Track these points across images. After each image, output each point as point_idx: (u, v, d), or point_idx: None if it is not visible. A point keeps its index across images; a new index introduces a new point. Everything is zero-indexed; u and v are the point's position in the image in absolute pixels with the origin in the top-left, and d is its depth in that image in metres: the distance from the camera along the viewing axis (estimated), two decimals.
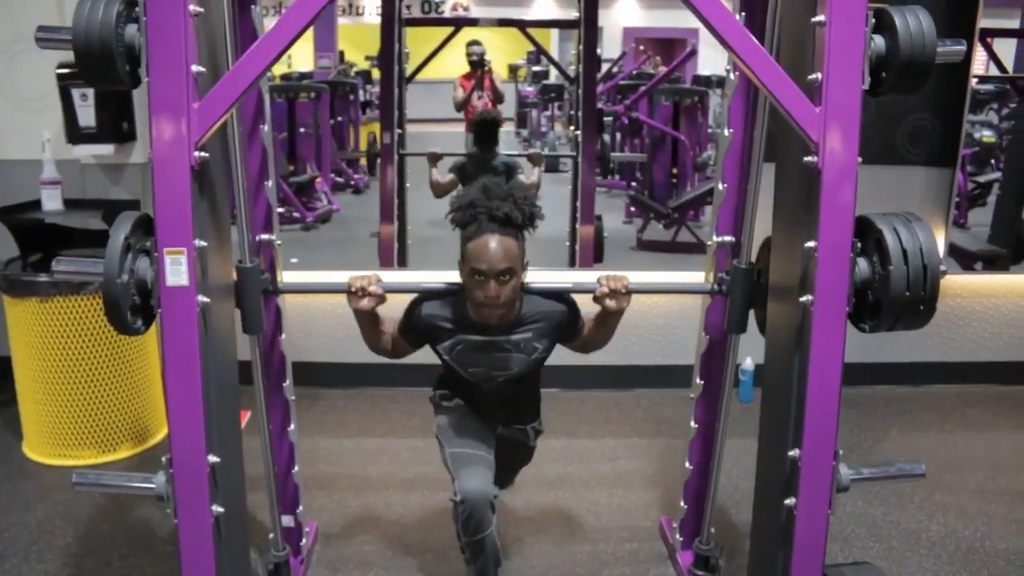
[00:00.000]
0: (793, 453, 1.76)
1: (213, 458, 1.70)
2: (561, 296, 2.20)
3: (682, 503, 2.58)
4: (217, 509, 1.72)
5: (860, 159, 1.66)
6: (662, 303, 3.99)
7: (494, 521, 2.17)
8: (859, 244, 1.71)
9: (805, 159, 1.67)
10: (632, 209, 6.63)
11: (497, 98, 6.80)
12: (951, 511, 2.96)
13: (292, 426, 2.43)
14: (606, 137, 6.55)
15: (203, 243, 1.65)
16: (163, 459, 1.70)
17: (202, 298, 1.65)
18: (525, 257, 2.05)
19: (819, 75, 1.64)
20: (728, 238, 2.23)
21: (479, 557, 2.22)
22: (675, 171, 6.58)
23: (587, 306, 2.20)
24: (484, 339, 2.15)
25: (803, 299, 1.71)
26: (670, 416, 3.81)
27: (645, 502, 3.05)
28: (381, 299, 2.06)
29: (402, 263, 4.84)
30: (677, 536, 2.62)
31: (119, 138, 3.31)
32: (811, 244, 1.68)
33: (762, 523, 1.95)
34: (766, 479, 1.94)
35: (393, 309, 2.19)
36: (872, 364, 3.99)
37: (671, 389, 4.02)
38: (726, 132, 2.19)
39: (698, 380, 2.45)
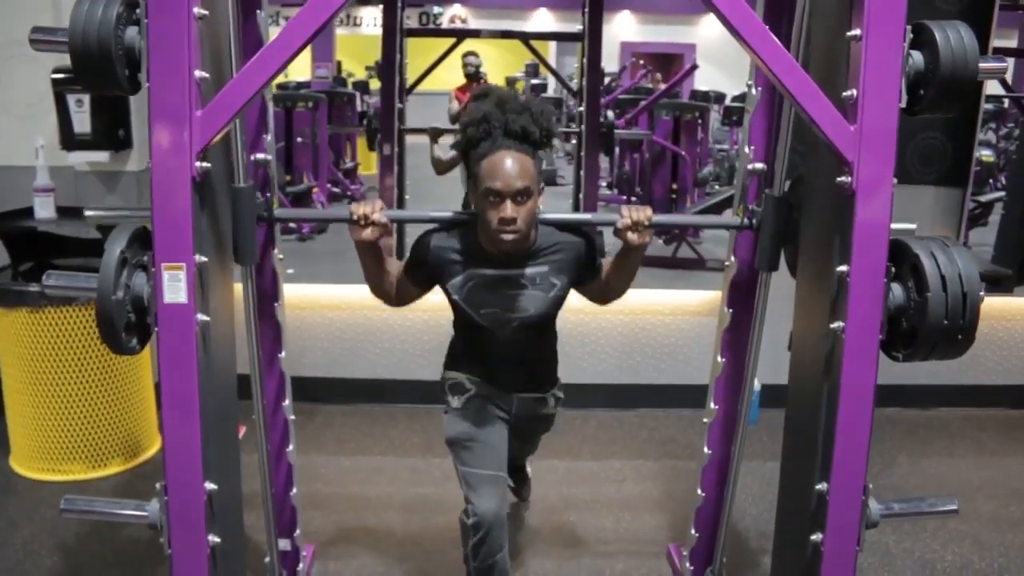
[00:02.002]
0: (820, 487, 1.67)
1: (210, 485, 1.61)
2: (579, 229, 2.07)
3: (693, 531, 2.49)
4: (213, 539, 1.62)
5: (896, 180, 1.59)
6: (667, 321, 3.91)
7: (506, 543, 2.08)
8: (893, 269, 1.63)
9: (838, 179, 1.59)
10: None
11: None
12: (966, 540, 2.88)
13: (291, 446, 2.34)
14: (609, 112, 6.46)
15: (203, 258, 1.56)
16: (157, 485, 1.61)
17: (201, 316, 1.56)
18: (541, 181, 1.91)
19: (854, 92, 1.57)
20: (759, 165, 2.06)
21: None
22: (675, 186, 6.54)
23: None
24: (498, 273, 2.00)
25: (834, 325, 1.63)
26: (676, 437, 3.72)
27: (652, 527, 2.96)
28: (385, 228, 1.89)
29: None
30: (687, 565, 2.53)
31: (115, 145, 3.23)
32: (843, 268, 1.61)
33: (785, 558, 1.86)
34: (789, 511, 1.85)
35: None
36: (879, 386, 3.91)
37: (676, 409, 3.94)
38: (747, 150, 2.12)
39: (712, 405, 2.36)
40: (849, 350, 1.61)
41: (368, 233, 1.87)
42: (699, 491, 2.45)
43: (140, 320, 1.59)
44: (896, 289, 1.64)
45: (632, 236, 1.89)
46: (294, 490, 2.38)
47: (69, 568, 2.56)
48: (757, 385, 3.82)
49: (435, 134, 4.45)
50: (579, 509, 3.05)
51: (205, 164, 1.52)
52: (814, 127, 1.58)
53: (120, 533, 2.73)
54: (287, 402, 2.30)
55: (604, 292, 2.14)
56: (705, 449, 2.41)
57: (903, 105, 1.58)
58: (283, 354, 2.25)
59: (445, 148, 4.48)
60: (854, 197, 1.58)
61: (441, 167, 4.44)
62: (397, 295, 2.11)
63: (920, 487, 3.29)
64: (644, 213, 1.88)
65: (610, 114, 6.45)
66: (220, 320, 1.68)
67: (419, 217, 2.06)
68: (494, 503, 2.03)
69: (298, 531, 2.43)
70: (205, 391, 1.60)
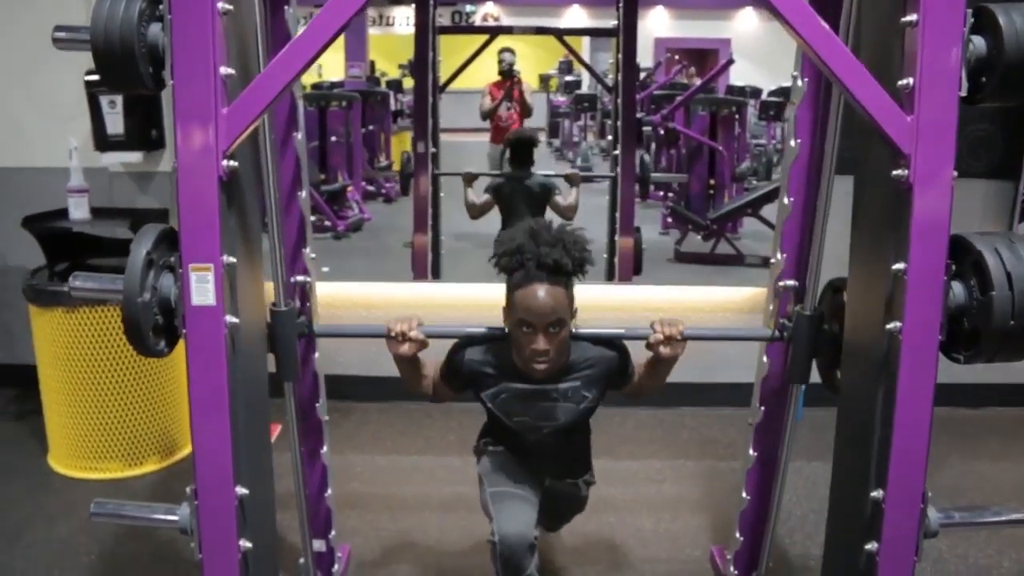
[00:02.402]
0: (876, 494, 1.59)
1: (241, 490, 1.57)
2: (612, 342, 2.09)
3: (737, 534, 2.41)
4: (245, 544, 1.59)
5: (956, 173, 1.50)
6: (708, 318, 3.83)
7: (534, 563, 2.04)
8: (953, 266, 1.54)
9: (893, 172, 1.51)
10: (669, 220, 6.48)
11: (525, 111, 6.68)
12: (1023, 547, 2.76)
13: (325, 448, 2.30)
14: (644, 156, 6.37)
15: (232, 259, 1.52)
16: (187, 490, 1.58)
17: (230, 318, 1.52)
18: (574, 304, 1.93)
19: (911, 80, 1.48)
20: (791, 283, 2.08)
21: None
22: (712, 182, 6.43)
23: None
24: (530, 387, 2.02)
25: (890, 326, 1.54)
26: (717, 436, 3.64)
27: (693, 528, 2.89)
28: (423, 345, 1.94)
29: (436, 274, 4.72)
30: (731, 569, 2.46)
31: (147, 146, 3.23)
32: (900, 266, 1.52)
33: (836, 565, 1.78)
34: (841, 518, 1.77)
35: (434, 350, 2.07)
36: None
37: (717, 408, 3.86)
38: (792, 143, 2.03)
39: (758, 406, 2.28)
40: (907, 352, 1.53)
41: (406, 349, 1.92)
42: (743, 494, 2.38)
43: (168, 322, 1.55)
44: (957, 288, 1.55)
45: (665, 350, 1.95)
46: (328, 491, 2.35)
47: (106, 567, 2.55)
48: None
49: (469, 179, 4.42)
50: (618, 510, 2.99)
51: (232, 163, 1.48)
52: (868, 118, 1.49)
53: (157, 533, 2.72)
54: (321, 402, 2.26)
55: (635, 395, 2.19)
56: (750, 451, 2.33)
57: (963, 94, 1.49)
58: (317, 354, 2.21)
59: (479, 192, 4.43)
60: (911, 191, 1.50)
61: (475, 211, 4.40)
62: (435, 395, 2.17)
63: (974, 490, 3.17)
64: (676, 328, 1.93)
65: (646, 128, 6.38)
66: (250, 320, 1.64)
67: (454, 332, 2.11)
68: (520, 524, 2.01)
69: (333, 532, 2.40)
70: (235, 393, 1.56)
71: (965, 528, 1.68)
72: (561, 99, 10.89)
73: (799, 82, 1.99)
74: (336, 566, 2.45)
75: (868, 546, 1.61)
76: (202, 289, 1.49)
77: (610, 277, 4.57)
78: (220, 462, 1.54)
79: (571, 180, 4.36)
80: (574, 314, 1.94)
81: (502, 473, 2.17)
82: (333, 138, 6.36)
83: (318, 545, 2.34)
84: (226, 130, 1.46)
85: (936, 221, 1.50)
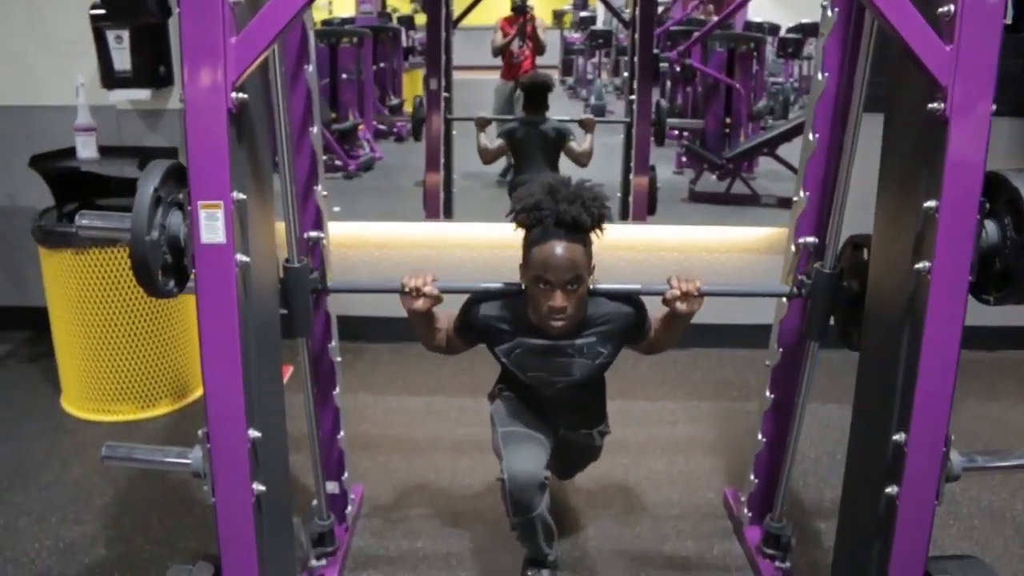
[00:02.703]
0: (898, 437, 1.56)
1: (254, 432, 1.55)
2: (628, 298, 2.05)
3: (752, 477, 2.40)
4: (258, 487, 1.57)
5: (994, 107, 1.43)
6: (724, 258, 3.77)
7: (544, 501, 2.04)
8: (987, 204, 1.49)
9: (929, 105, 1.44)
10: (683, 159, 6.36)
11: (538, 49, 6.51)
12: None
13: (337, 389, 2.28)
14: (660, 100, 6.23)
15: (242, 196, 1.47)
16: (200, 432, 1.56)
17: (241, 257, 1.48)
18: (592, 261, 1.90)
19: (951, 7, 1.40)
20: (811, 239, 2.05)
21: (529, 536, 2.11)
22: (728, 120, 6.30)
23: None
24: (545, 343, 2.01)
25: (918, 266, 1.49)
26: (730, 378, 3.62)
27: (707, 471, 2.89)
28: (437, 300, 1.93)
29: (448, 214, 4.67)
30: (745, 511, 2.45)
31: (156, 82, 3.16)
32: (931, 203, 1.46)
33: (854, 509, 1.76)
34: (861, 461, 1.74)
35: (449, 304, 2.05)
36: None
37: (731, 349, 3.84)
38: (820, 76, 1.96)
39: (776, 347, 2.25)
40: (935, 292, 1.48)
41: (420, 304, 1.91)
42: (759, 436, 2.36)
43: (177, 261, 1.52)
44: (990, 226, 1.49)
45: (681, 306, 1.90)
46: (341, 433, 2.34)
47: (121, 508, 2.57)
48: None
49: (482, 123, 4.33)
50: (632, 451, 2.98)
51: (242, 95, 1.43)
52: (904, 48, 1.42)
53: (171, 475, 2.72)
54: (334, 343, 2.24)
55: (650, 350, 2.18)
56: (767, 393, 2.31)
57: (1008, 21, 1.42)
58: (329, 296, 2.18)
59: (492, 136, 4.34)
60: (947, 125, 1.43)
61: (488, 156, 4.33)
62: (448, 348, 2.16)
63: (989, 433, 3.16)
64: (693, 284, 1.89)
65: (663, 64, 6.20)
66: (261, 259, 1.60)
67: (469, 288, 2.08)
68: (529, 463, 2.02)
69: (346, 474, 2.40)
70: (247, 334, 1.53)
71: (987, 472, 1.64)
72: (575, 36, 10.66)
73: (829, 12, 1.90)
74: (349, 507, 2.46)
75: (889, 489, 1.59)
76: (211, 227, 1.44)
77: (624, 217, 4.50)
78: (232, 405, 1.52)
79: (586, 126, 4.28)
80: (592, 271, 1.92)
81: (515, 417, 2.17)
82: (344, 75, 6.23)
83: (331, 487, 2.34)
84: (235, 61, 1.40)
85: (971, 157, 1.44)
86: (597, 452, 2.40)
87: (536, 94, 4.28)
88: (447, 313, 2.10)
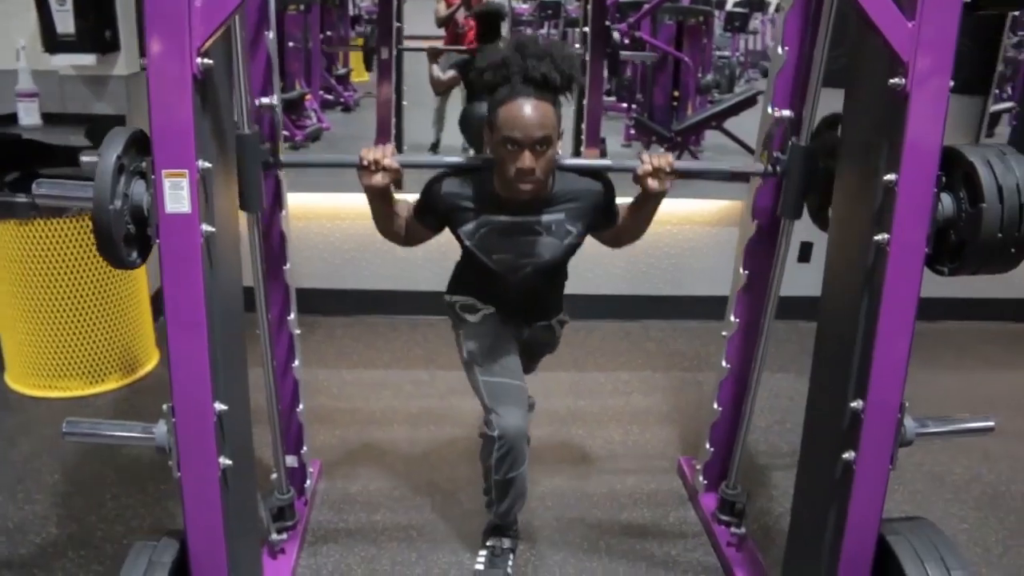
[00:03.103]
0: (855, 404, 1.61)
1: (220, 406, 1.53)
2: (598, 175, 1.99)
3: (708, 445, 2.46)
4: (225, 461, 1.56)
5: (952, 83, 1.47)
6: (674, 232, 3.82)
7: (527, 457, 2.05)
8: (943, 178, 1.53)
9: (891, 81, 1.47)
10: (632, 132, 6.40)
11: None
12: (974, 453, 2.87)
13: (297, 361, 2.26)
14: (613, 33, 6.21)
15: (207, 164, 1.44)
16: (164, 407, 1.53)
17: (206, 227, 1.45)
18: (561, 125, 1.82)
19: None
20: (787, 112, 2.00)
21: (507, 496, 2.10)
22: (676, 93, 6.33)
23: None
24: (512, 219, 1.94)
25: (877, 238, 1.53)
26: (682, 349, 3.69)
27: (661, 439, 2.94)
28: (396, 174, 1.81)
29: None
30: (700, 479, 2.51)
31: (101, 47, 3.03)
32: (891, 177, 1.50)
33: (811, 474, 1.82)
34: (818, 428, 1.80)
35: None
36: None
37: (681, 320, 3.91)
38: (780, 50, 1.99)
39: (733, 318, 2.29)
40: (893, 263, 1.52)
41: (379, 179, 1.80)
42: (715, 405, 2.41)
43: (140, 232, 1.48)
44: (946, 200, 1.54)
45: (652, 183, 1.83)
46: (300, 406, 2.32)
47: (71, 485, 2.51)
48: None
49: (434, 54, 4.28)
50: (587, 422, 3.02)
51: (207, 60, 1.39)
52: (867, 22, 1.45)
53: (121, 451, 2.68)
54: (292, 316, 2.22)
55: (618, 237, 2.10)
56: (723, 363, 2.36)
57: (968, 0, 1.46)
58: (288, 266, 2.15)
59: (444, 67, 4.31)
60: (907, 100, 1.47)
61: (440, 87, 4.30)
62: (407, 237, 2.05)
63: (931, 400, 3.27)
64: (665, 159, 1.82)
65: (615, 35, 6.19)
66: (224, 230, 1.57)
67: (432, 162, 2.01)
68: (519, 417, 1.99)
69: (305, 447, 2.38)
70: (212, 306, 1.50)
71: (939, 437, 1.71)
72: (524, 6, 10.59)
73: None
74: (308, 481, 2.45)
75: (846, 455, 1.64)
76: (176, 196, 1.41)
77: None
78: (198, 378, 1.49)
79: None
80: (560, 135, 1.84)
81: (491, 355, 2.09)
82: (291, 44, 6.10)
83: (291, 461, 2.32)
84: (200, 24, 1.36)
85: (930, 132, 1.48)
86: (556, 342, 2.34)
87: (489, 23, 4.26)
88: (407, 204, 2.01)
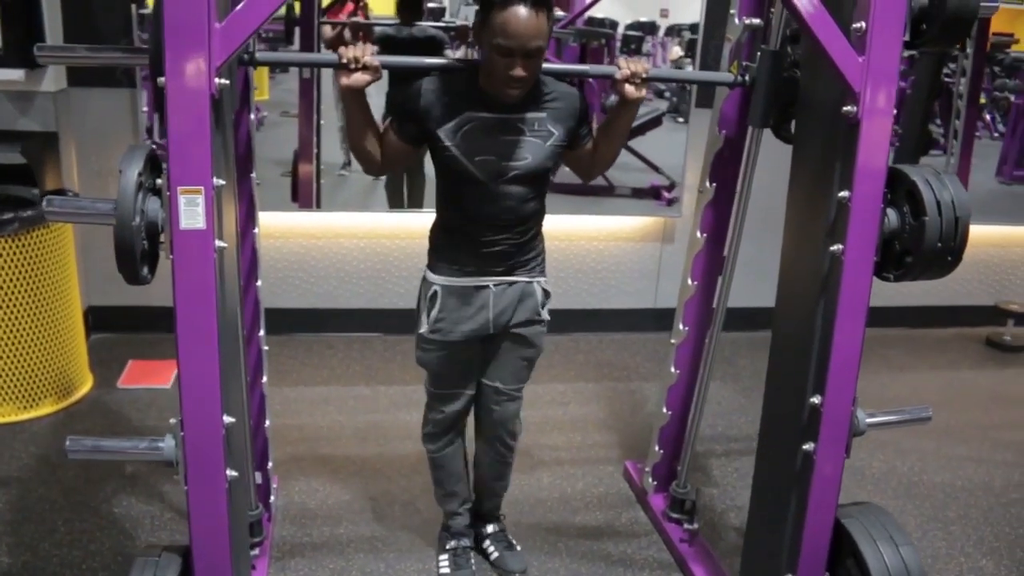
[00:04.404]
0: (815, 400, 1.78)
1: (228, 419, 1.55)
2: (573, 83, 2.02)
3: (657, 448, 2.60)
4: (231, 473, 1.58)
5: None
6: (600, 247, 3.99)
7: (459, 440, 2.28)
8: (888, 195, 1.72)
9: (844, 108, 1.65)
10: None
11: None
12: (888, 448, 3.13)
13: (265, 378, 2.28)
14: None
15: (221, 181, 1.47)
16: (172, 421, 1.54)
17: (219, 243, 1.48)
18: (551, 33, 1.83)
19: (863, 24, 1.62)
20: (756, 20, 2.07)
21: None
22: None
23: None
24: (495, 116, 1.90)
25: (833, 248, 1.71)
26: (610, 359, 3.84)
27: (603, 445, 3.08)
28: (377, 72, 1.75)
29: (318, 204, 4.61)
30: (649, 480, 2.65)
31: (28, 63, 2.95)
32: (844, 194, 1.68)
33: (770, 466, 1.98)
34: (776, 423, 1.96)
35: None
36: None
37: (608, 333, 4.07)
38: (736, 21, 2.12)
39: (681, 327, 2.45)
40: (848, 272, 1.70)
41: (359, 76, 1.74)
42: (664, 409, 2.56)
43: (152, 248, 1.50)
44: (891, 214, 1.73)
45: (630, 88, 1.85)
46: (267, 422, 2.33)
47: (18, 514, 2.43)
48: None
49: (354, 29, 4.24)
50: (531, 431, 3.10)
51: (224, 81, 1.43)
52: (825, 57, 1.62)
53: (64, 474, 2.61)
54: (262, 332, 2.23)
55: (592, 159, 2.07)
56: (672, 369, 2.51)
57: (906, 38, 1.65)
58: (259, 283, 2.17)
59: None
60: (859, 126, 1.65)
61: None
62: (383, 155, 1.95)
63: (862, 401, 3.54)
64: (641, 65, 1.85)
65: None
66: (231, 245, 1.60)
67: (414, 64, 1.94)
68: (455, 405, 2.19)
69: (271, 463, 2.39)
70: (219, 320, 1.53)
71: (885, 427, 1.90)
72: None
73: (737, 20, 2.11)
74: (272, 497, 2.45)
75: (806, 446, 1.81)
76: (191, 212, 1.44)
77: None
78: (208, 393, 1.51)
79: (461, 35, 4.29)
80: (548, 44, 1.83)
81: (439, 360, 2.11)
82: None
83: (258, 477, 2.33)
84: (220, 46, 1.40)
85: (879, 154, 1.67)
86: (538, 334, 2.22)
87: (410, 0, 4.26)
88: (386, 125, 1.96)
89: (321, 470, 2.80)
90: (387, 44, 4.22)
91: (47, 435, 2.87)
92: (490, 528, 2.42)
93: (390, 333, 3.87)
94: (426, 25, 4.27)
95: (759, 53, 2.01)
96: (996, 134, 4.64)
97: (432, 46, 4.19)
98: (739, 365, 3.74)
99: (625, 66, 1.84)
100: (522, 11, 1.73)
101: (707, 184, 2.29)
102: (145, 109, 3.42)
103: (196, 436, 1.53)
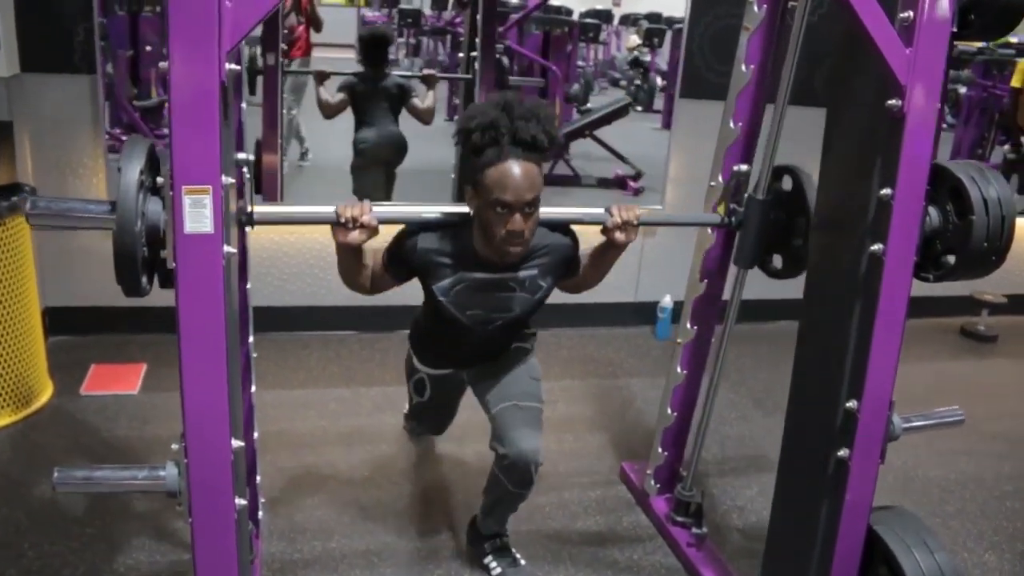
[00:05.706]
0: (850, 404, 1.71)
1: (236, 443, 1.41)
2: (566, 228, 2.02)
3: (660, 449, 2.52)
4: (240, 502, 1.44)
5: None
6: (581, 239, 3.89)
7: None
8: (930, 192, 1.65)
9: (888, 102, 1.57)
10: None
11: (314, 23, 6.26)
12: None
13: (253, 388, 2.12)
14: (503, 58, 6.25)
15: (230, 179, 1.32)
16: (173, 447, 1.39)
17: (228, 248, 1.34)
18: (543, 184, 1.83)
19: (910, 14, 1.54)
20: (744, 167, 2.12)
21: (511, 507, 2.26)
22: (545, 102, 6.47)
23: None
24: (489, 277, 1.94)
25: (873, 248, 1.63)
26: (594, 355, 3.76)
27: (595, 446, 2.99)
28: (374, 232, 1.76)
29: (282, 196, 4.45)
30: (652, 483, 2.57)
31: None
32: (886, 191, 1.61)
33: (797, 472, 1.90)
34: (806, 428, 1.88)
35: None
36: (779, 300, 4.09)
37: (589, 328, 3.98)
38: (743, 68, 2.07)
39: (689, 326, 2.36)
40: (888, 272, 1.63)
41: (355, 236, 1.74)
42: (668, 410, 2.47)
43: (152, 254, 1.34)
44: (932, 212, 1.66)
45: (620, 236, 1.90)
46: (256, 433, 2.18)
47: None
48: (670, 301, 3.91)
49: (321, 77, 4.15)
50: None
51: (235, 66, 1.28)
52: (873, 48, 1.54)
53: (28, 493, 2.42)
54: (251, 338, 2.08)
55: (579, 285, 2.15)
56: (678, 369, 2.42)
57: (954, 29, 1.58)
58: (249, 285, 2.02)
59: (331, 90, 4.18)
60: (903, 121, 1.58)
61: (329, 111, 4.16)
62: (372, 287, 1.98)
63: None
64: (632, 212, 1.89)
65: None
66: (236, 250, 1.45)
67: (410, 217, 1.94)
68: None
69: (259, 477, 2.24)
70: (227, 335, 1.38)
71: (921, 431, 1.84)
72: (374, 14, 10.39)
73: (756, 8, 2.01)
74: (260, 512, 2.30)
75: (840, 452, 1.73)
76: (197, 215, 1.28)
77: (459, 199, 4.51)
78: (216, 415, 1.37)
79: (428, 82, 4.23)
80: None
81: (427, 409, 2.44)
82: (148, 47, 5.69)
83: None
84: (231, 26, 1.25)
85: (923, 150, 1.60)
86: (530, 344, 2.30)
87: (375, 48, 4.19)
88: (372, 249, 1.93)
89: (307, 480, 2.65)
90: (354, 93, 4.11)
91: (6, 449, 2.65)
92: (489, 543, 2.30)
93: (366, 331, 3.72)
94: (395, 74, 4.21)
95: (747, 198, 2.04)
96: (945, 125, 4.72)
97: (399, 96, 4.16)
98: (725, 359, 3.67)
99: (617, 214, 1.88)
100: (516, 165, 1.73)
101: (719, 179, 2.20)
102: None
103: (203, 464, 1.39)
